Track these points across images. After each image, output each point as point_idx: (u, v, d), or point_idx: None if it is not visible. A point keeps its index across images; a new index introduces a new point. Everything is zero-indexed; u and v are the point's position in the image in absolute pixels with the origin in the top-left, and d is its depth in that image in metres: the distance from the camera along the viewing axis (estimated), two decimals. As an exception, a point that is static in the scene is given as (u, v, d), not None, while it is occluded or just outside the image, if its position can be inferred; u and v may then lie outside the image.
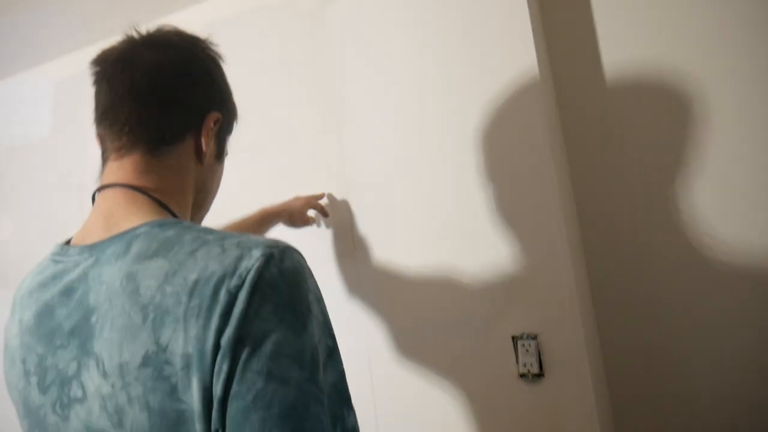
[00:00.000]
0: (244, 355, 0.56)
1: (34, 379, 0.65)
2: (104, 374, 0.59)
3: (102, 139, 0.76)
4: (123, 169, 0.72)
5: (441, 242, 1.42)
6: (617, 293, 1.46)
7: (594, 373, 1.30)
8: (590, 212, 1.49)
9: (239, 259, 0.59)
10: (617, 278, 1.46)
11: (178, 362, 0.56)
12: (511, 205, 1.34)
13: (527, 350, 1.32)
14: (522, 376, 1.32)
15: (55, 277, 0.68)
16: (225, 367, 0.55)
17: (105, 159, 0.75)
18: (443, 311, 1.42)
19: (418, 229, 1.44)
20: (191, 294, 0.57)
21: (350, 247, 1.54)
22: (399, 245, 1.47)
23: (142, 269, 0.60)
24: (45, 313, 0.66)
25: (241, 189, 1.68)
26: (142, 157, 0.72)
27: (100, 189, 0.72)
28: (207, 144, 0.77)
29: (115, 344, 0.59)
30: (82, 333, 0.62)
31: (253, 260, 0.59)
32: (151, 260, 0.61)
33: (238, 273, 0.58)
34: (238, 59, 1.60)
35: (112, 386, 0.59)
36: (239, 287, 0.57)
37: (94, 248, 0.67)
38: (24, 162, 2.14)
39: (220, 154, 0.84)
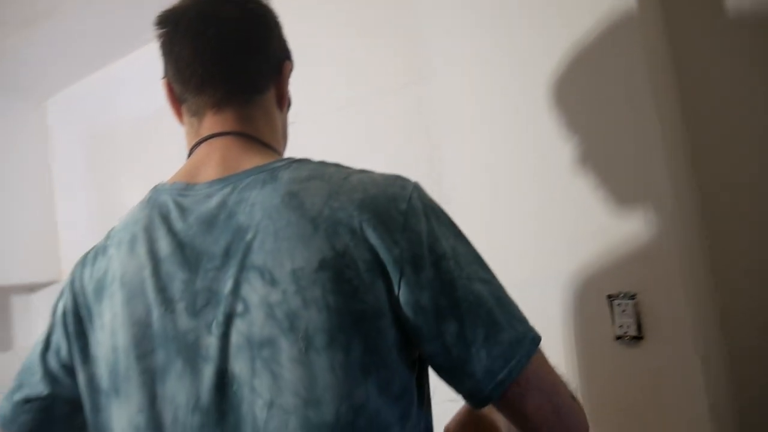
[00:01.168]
0: (443, 265, 0.63)
1: (180, 305, 0.66)
2: (272, 282, 0.62)
3: (183, 100, 0.78)
4: (223, 120, 0.75)
5: (529, 193, 1.33)
6: (742, 264, 1.29)
7: (702, 340, 1.17)
8: (710, 173, 1.33)
9: (396, 186, 0.67)
10: (742, 248, 1.29)
11: (360, 266, 0.61)
12: (606, 156, 1.23)
13: (624, 311, 1.21)
14: (618, 338, 1.22)
15: (184, 210, 0.70)
16: (423, 278, 0.62)
17: (193, 113, 0.77)
18: (532, 269, 1.34)
19: (504, 178, 1.37)
20: (360, 209, 0.63)
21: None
22: (485, 197, 1.40)
23: (302, 189, 0.65)
24: (186, 242, 0.68)
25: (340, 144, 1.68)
26: (240, 107, 0.75)
27: (204, 139, 0.75)
28: (285, 90, 0.81)
29: (284, 253, 0.62)
30: (237, 251, 0.64)
31: (410, 188, 0.68)
32: (309, 182, 0.66)
33: (402, 196, 0.66)
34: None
35: (284, 293, 0.61)
36: (412, 208, 0.65)
37: (224, 181, 0.70)
38: (154, 130, 2.29)
39: (289, 103, 0.87)
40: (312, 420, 0.59)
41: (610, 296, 1.23)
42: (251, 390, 0.62)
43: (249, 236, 0.64)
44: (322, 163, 0.71)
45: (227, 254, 0.65)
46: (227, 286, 0.64)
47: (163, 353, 0.66)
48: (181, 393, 0.65)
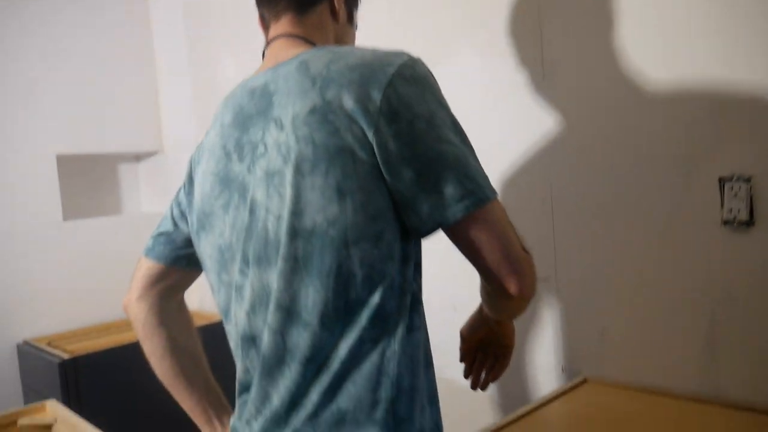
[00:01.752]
0: (416, 124, 0.74)
1: (234, 156, 0.86)
2: (281, 127, 0.78)
3: (262, 17, 0.96)
4: (281, 26, 0.92)
5: (635, 57, 1.23)
6: None
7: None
8: None
9: (391, 55, 0.78)
10: None
11: (340, 113, 0.74)
12: (727, 29, 1.10)
13: (736, 194, 1.13)
14: (726, 223, 1.15)
15: (243, 90, 0.89)
16: (393, 128, 0.74)
17: (267, 26, 0.96)
18: (637, 147, 1.26)
19: (604, 40, 1.27)
20: (352, 70, 0.76)
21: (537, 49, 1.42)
22: (591, 63, 1.31)
23: (312, 57, 0.81)
24: (239, 110, 0.87)
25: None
26: (294, 16, 0.92)
27: (268, 43, 0.94)
28: (340, 5, 0.95)
29: (289, 104, 0.78)
30: (266, 110, 0.82)
31: (406, 58, 0.78)
32: (319, 53, 0.82)
33: (394, 63, 0.77)
34: None
35: (286, 134, 0.77)
36: (399, 73, 0.76)
37: (271, 69, 0.87)
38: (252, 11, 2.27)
39: (350, 18, 1.00)
40: (296, 226, 0.76)
41: (721, 179, 1.15)
42: (266, 210, 0.80)
43: (274, 98, 0.82)
44: (338, 46, 0.87)
45: (259, 113, 0.83)
46: (258, 135, 0.83)
47: (227, 193, 0.86)
48: (239, 219, 0.84)
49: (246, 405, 0.87)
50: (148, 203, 2.92)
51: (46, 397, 1.68)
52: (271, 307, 0.79)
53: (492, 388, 1.37)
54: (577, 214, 1.39)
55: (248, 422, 0.86)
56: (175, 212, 1.03)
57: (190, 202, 0.96)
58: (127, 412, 2.00)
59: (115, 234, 2.62)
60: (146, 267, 1.03)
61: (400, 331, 0.78)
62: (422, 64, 0.80)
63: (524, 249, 0.80)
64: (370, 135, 0.74)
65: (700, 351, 1.22)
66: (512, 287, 0.77)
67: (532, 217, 1.46)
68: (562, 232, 1.42)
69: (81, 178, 2.72)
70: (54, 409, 1.56)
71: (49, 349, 2.20)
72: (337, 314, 0.76)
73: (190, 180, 0.98)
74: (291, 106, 0.78)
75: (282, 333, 0.79)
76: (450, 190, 0.74)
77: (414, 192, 0.74)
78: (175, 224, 1.02)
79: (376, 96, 0.74)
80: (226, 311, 0.90)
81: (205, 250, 0.91)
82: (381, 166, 0.74)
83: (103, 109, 2.62)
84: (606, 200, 1.33)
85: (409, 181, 0.74)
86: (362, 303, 0.76)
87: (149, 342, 1.04)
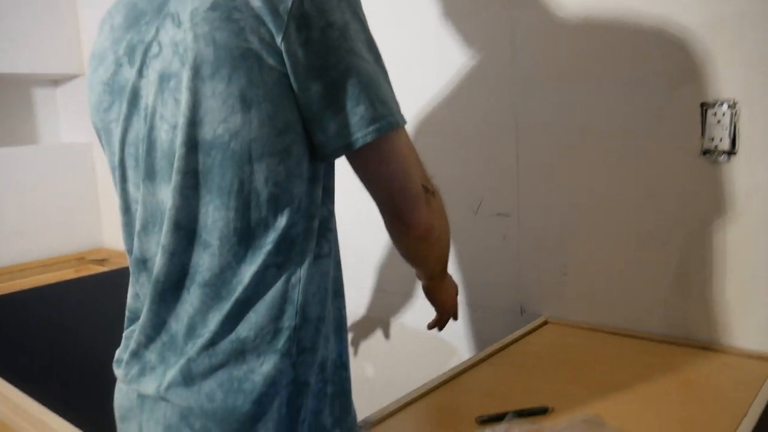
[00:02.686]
0: (329, 33, 0.67)
1: (125, 60, 0.76)
2: (178, 24, 0.69)
3: None
4: None
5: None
6: None
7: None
8: None
9: None
10: None
11: (246, 10, 0.66)
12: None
13: (719, 121, 1.04)
14: (706, 152, 1.07)
15: None
16: (304, 35, 0.66)
17: None
18: (611, 70, 1.16)
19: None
20: None
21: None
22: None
23: None
24: (131, 8, 0.77)
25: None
26: None
27: None
28: None
29: None
30: (162, 4, 0.73)
31: None
32: None
33: None
34: None
35: (184, 31, 0.68)
36: None
37: None
38: None
39: None
40: (194, 136, 0.69)
41: (703, 104, 1.06)
42: (161, 117, 0.72)
43: None
44: None
45: (155, 9, 0.74)
46: (151, 33, 0.73)
47: (118, 103, 0.77)
48: (132, 131, 0.76)
49: (134, 334, 0.78)
50: (68, 133, 2.66)
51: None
52: (166, 226, 0.72)
53: (450, 332, 1.28)
54: (543, 144, 1.28)
55: (135, 353, 0.77)
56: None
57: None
58: (40, 355, 1.84)
59: (31, 165, 2.37)
60: None
61: (307, 258, 0.73)
62: None
63: (428, 186, 0.77)
64: (278, 40, 0.66)
65: (670, 289, 1.15)
66: (403, 221, 0.75)
67: (495, 148, 1.34)
68: (526, 165, 1.31)
69: (-10, 103, 2.45)
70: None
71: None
72: (240, 236, 0.70)
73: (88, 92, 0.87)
74: (191, 1, 0.69)
75: (180, 254, 0.72)
76: (360, 110, 0.69)
77: (321, 107, 0.69)
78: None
79: (295, 4, 0.66)
80: (126, 235, 0.82)
81: (109, 164, 0.83)
82: (290, 75, 0.68)
83: (13, 23, 2.32)
84: (574, 129, 1.23)
85: (316, 95, 0.68)
86: (267, 225, 0.70)
87: None
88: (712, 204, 1.08)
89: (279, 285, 0.71)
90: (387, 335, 1.61)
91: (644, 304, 1.19)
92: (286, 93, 0.68)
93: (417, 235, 0.77)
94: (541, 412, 0.93)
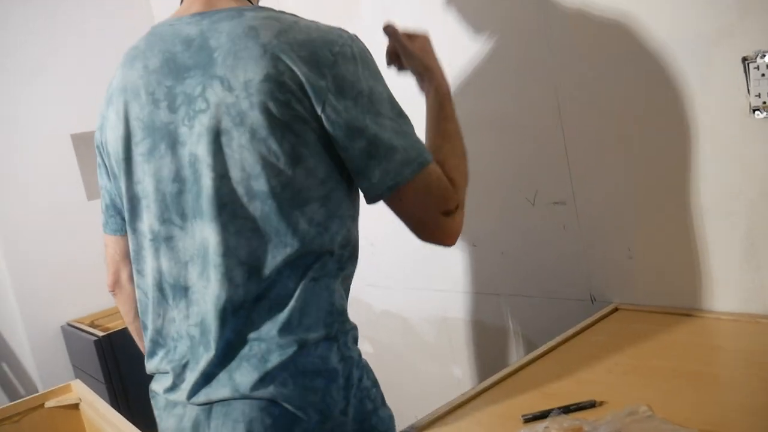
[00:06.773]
0: (359, 100, 0.82)
1: (164, 104, 0.87)
2: (229, 89, 0.82)
3: None
4: None
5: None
6: None
7: None
8: None
9: (335, 34, 0.84)
10: None
11: (293, 85, 0.80)
12: None
13: (763, 74, 0.95)
14: (755, 110, 0.97)
15: (173, 35, 0.88)
16: (341, 104, 0.81)
17: None
18: (649, 30, 1.08)
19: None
20: (302, 47, 0.82)
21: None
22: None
23: (260, 25, 0.84)
24: (170, 57, 0.87)
25: None
26: None
27: None
28: None
29: (239, 68, 0.81)
30: (207, 65, 0.84)
31: (347, 37, 0.85)
32: (266, 20, 0.84)
33: (337, 42, 0.83)
34: None
35: (236, 97, 0.81)
36: (343, 52, 0.83)
37: (204, 15, 0.88)
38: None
39: None
40: (252, 188, 0.83)
41: (745, 58, 0.97)
42: (208, 166, 0.84)
43: (216, 54, 0.84)
44: (281, 11, 0.89)
45: (197, 67, 0.85)
46: (197, 90, 0.85)
47: (151, 140, 0.88)
48: (164, 168, 0.87)
49: (176, 355, 0.90)
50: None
51: (90, 374, 1.68)
52: (228, 261, 0.84)
53: (520, 324, 1.25)
54: (588, 124, 1.22)
55: (186, 365, 0.89)
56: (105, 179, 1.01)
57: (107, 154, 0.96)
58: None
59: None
60: (110, 243, 1.03)
61: (341, 275, 0.90)
62: (358, 41, 0.86)
63: (458, 204, 0.88)
64: (318, 110, 0.81)
65: (739, 262, 1.06)
66: (435, 243, 0.90)
67: (541, 135, 1.30)
68: (574, 146, 1.26)
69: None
70: (79, 390, 1.55)
71: (88, 328, 2.23)
72: (292, 266, 0.85)
73: (101, 126, 0.96)
74: (242, 71, 0.81)
75: (243, 285, 0.84)
76: (398, 158, 0.83)
77: (364, 160, 0.83)
78: (110, 192, 1.01)
79: (324, 75, 0.81)
80: (137, 259, 0.93)
81: (125, 194, 0.92)
82: (332, 137, 0.83)
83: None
84: (617, 104, 1.16)
85: (357, 151, 0.83)
86: (312, 254, 0.85)
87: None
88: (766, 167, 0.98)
89: (322, 295, 0.86)
90: (448, 333, 1.60)
91: (714, 280, 1.10)
92: (326, 148, 0.84)
93: (447, 245, 0.91)
94: (589, 406, 0.89)
